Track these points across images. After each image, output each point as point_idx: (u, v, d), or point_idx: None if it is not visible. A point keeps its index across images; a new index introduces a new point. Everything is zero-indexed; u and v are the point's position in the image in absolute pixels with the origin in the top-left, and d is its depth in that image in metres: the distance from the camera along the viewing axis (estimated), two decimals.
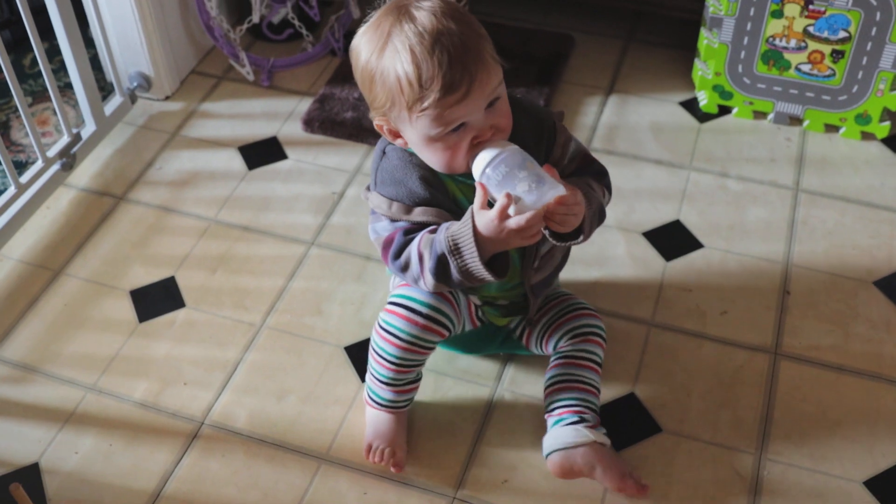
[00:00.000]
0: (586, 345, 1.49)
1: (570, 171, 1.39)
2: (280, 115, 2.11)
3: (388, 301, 1.40)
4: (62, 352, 1.65)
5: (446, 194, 1.33)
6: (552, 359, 1.51)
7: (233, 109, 2.14)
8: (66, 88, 2.14)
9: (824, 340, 1.63)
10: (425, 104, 1.20)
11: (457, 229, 1.25)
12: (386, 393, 1.45)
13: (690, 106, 2.10)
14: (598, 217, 1.36)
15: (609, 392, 1.56)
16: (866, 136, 2.01)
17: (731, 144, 2.01)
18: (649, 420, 1.52)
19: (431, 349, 1.42)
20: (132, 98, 2.11)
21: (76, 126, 2.00)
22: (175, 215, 1.89)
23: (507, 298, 1.48)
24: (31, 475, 1.47)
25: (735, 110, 2.07)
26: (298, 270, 1.77)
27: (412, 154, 1.32)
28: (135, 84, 2.12)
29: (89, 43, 2.10)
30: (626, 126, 2.06)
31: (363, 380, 1.58)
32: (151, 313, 1.71)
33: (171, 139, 2.07)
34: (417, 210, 1.31)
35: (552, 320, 1.51)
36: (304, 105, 2.13)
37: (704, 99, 2.08)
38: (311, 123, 2.06)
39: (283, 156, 2.01)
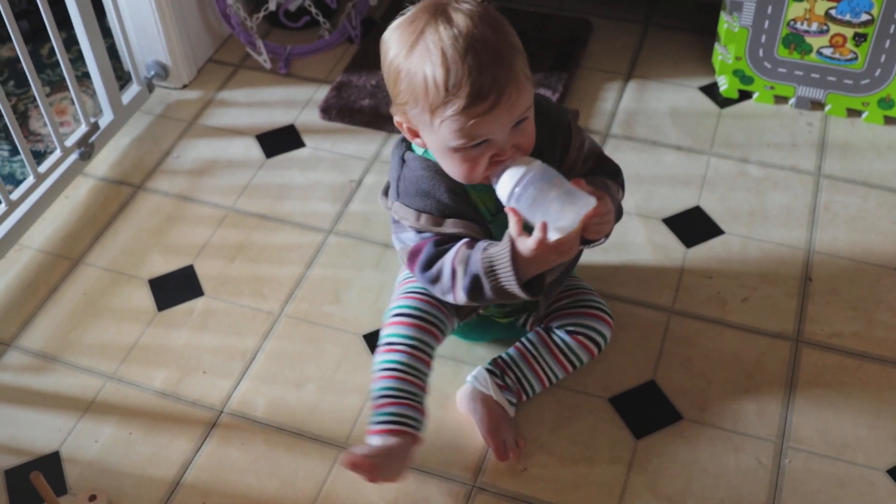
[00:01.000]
0: (577, 345, 1.49)
1: (585, 171, 1.37)
2: (297, 103, 2.11)
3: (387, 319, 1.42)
4: (82, 341, 1.65)
5: (470, 204, 1.31)
6: (539, 327, 1.52)
7: (250, 98, 2.14)
8: (83, 78, 2.14)
9: (847, 328, 1.61)
10: (448, 111, 1.17)
11: (494, 252, 1.23)
12: (393, 408, 1.37)
13: (710, 91, 2.09)
14: (618, 215, 1.34)
15: (629, 380, 1.55)
16: (889, 120, 1.99)
17: (752, 130, 1.99)
18: (670, 408, 1.51)
19: (428, 349, 1.40)
20: (149, 87, 2.11)
21: (94, 115, 2.00)
22: (193, 204, 1.89)
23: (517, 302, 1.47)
24: (51, 464, 1.48)
25: (756, 95, 2.05)
26: (316, 259, 1.76)
27: (434, 162, 1.29)
28: (152, 73, 2.12)
29: (106, 32, 2.10)
30: (646, 112, 2.04)
31: None
32: (170, 302, 1.71)
33: (188, 128, 2.06)
34: (448, 222, 1.29)
35: (559, 309, 1.51)
36: (321, 93, 2.12)
37: (725, 84, 2.06)
38: (328, 111, 2.05)
39: (300, 144, 2.01)
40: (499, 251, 1.23)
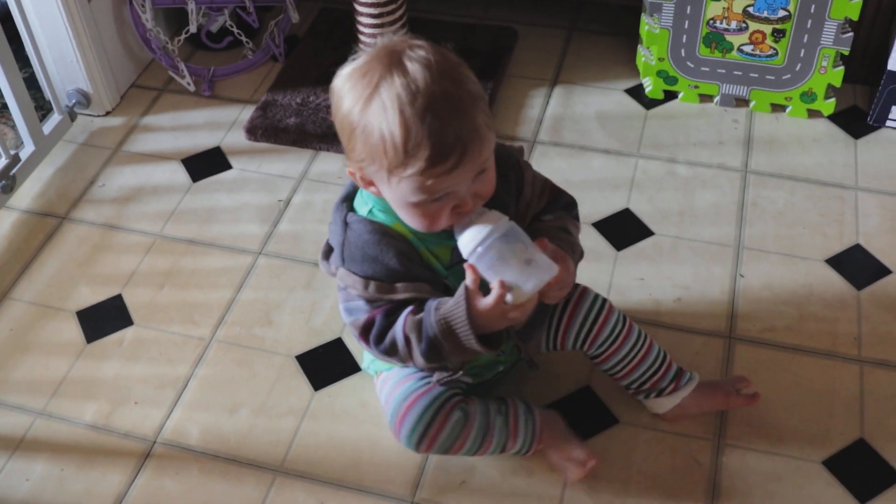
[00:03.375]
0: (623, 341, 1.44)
1: (542, 205, 1.33)
2: (223, 125, 2.09)
3: (395, 401, 1.38)
4: (9, 378, 1.62)
5: (423, 264, 1.24)
6: (590, 355, 1.46)
7: (175, 121, 2.11)
8: (2, 109, 2.10)
9: (778, 322, 1.62)
10: (408, 171, 1.09)
11: (448, 311, 1.18)
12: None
13: (636, 93, 2.10)
14: (579, 257, 1.32)
15: (565, 386, 1.55)
16: (813, 113, 2.01)
17: (679, 129, 2.00)
18: (606, 412, 1.51)
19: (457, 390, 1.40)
20: (71, 115, 2.08)
21: (15, 147, 1.97)
22: (120, 232, 1.86)
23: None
24: None
25: (681, 95, 2.06)
26: (247, 281, 1.74)
27: (380, 224, 1.22)
28: (73, 101, 2.08)
29: (25, 62, 2.06)
30: (573, 116, 2.05)
31: (315, 388, 1.56)
32: (99, 333, 1.68)
33: (113, 155, 2.03)
34: (399, 287, 1.21)
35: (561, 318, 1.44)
36: (246, 113, 2.10)
37: (649, 85, 2.07)
38: (253, 131, 2.03)
39: (227, 166, 1.99)
40: (454, 310, 1.17)
